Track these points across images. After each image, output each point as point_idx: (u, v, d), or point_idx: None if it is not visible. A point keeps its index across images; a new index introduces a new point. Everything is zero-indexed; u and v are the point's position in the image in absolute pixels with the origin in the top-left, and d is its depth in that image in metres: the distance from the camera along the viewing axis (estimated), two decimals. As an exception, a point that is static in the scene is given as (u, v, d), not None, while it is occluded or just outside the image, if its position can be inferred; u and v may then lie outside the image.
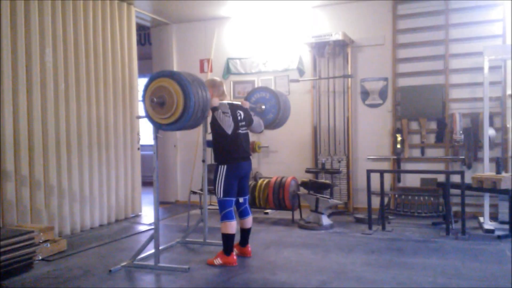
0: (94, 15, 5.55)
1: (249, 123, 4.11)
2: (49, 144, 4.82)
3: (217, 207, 3.97)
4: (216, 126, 3.84)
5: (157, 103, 3.42)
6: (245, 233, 4.13)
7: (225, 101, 3.97)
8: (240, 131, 3.95)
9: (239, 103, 4.18)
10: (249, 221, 4.12)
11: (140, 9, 6.60)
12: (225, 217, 3.85)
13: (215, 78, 4.14)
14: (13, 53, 4.48)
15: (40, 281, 3.55)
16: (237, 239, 4.09)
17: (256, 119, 4.24)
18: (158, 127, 3.63)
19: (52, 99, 4.86)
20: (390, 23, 6.17)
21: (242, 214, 4.11)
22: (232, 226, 3.86)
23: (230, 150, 3.86)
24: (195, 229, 4.80)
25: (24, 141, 4.56)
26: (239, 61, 7.03)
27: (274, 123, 4.54)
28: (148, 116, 3.56)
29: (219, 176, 3.86)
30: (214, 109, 3.79)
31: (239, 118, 3.96)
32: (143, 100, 3.56)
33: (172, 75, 3.44)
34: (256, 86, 6.83)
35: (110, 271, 3.72)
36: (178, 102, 3.38)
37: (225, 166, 3.86)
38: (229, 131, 3.80)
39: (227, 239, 3.86)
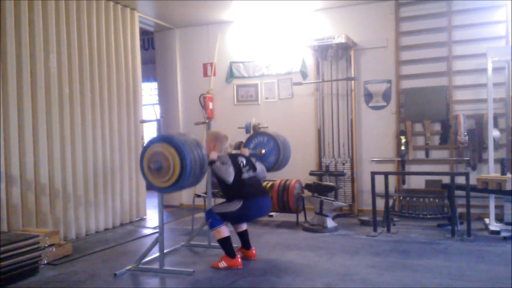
0: (98, 20, 5.59)
1: (253, 168, 4.03)
2: (54, 148, 4.85)
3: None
4: (218, 176, 3.79)
5: (154, 168, 3.47)
6: (243, 235, 4.12)
7: (224, 153, 3.90)
8: (245, 175, 3.88)
9: (239, 151, 4.16)
10: (243, 224, 4.11)
11: (144, 14, 6.64)
12: (213, 225, 3.83)
13: (219, 132, 4.05)
14: (17, 58, 4.51)
15: (45, 286, 3.56)
16: (239, 243, 4.11)
17: (259, 167, 4.13)
18: (160, 191, 3.69)
19: (56, 104, 4.89)
20: (392, 25, 6.17)
21: None
22: (223, 230, 3.82)
23: (240, 190, 3.81)
24: (200, 232, 4.81)
25: (29, 145, 4.59)
26: (242, 64, 7.05)
27: (276, 165, 4.49)
28: (149, 182, 3.60)
29: (232, 206, 3.79)
30: (212, 163, 3.73)
31: (241, 164, 3.91)
32: (141, 169, 3.60)
33: (164, 139, 3.50)
34: (259, 89, 6.90)
35: (115, 274, 3.73)
36: (175, 163, 3.40)
37: (241, 202, 3.77)
38: (230, 179, 3.72)
39: (225, 242, 3.84)
